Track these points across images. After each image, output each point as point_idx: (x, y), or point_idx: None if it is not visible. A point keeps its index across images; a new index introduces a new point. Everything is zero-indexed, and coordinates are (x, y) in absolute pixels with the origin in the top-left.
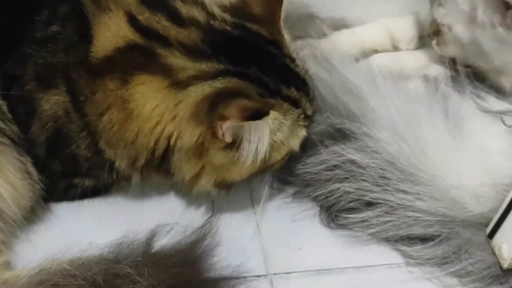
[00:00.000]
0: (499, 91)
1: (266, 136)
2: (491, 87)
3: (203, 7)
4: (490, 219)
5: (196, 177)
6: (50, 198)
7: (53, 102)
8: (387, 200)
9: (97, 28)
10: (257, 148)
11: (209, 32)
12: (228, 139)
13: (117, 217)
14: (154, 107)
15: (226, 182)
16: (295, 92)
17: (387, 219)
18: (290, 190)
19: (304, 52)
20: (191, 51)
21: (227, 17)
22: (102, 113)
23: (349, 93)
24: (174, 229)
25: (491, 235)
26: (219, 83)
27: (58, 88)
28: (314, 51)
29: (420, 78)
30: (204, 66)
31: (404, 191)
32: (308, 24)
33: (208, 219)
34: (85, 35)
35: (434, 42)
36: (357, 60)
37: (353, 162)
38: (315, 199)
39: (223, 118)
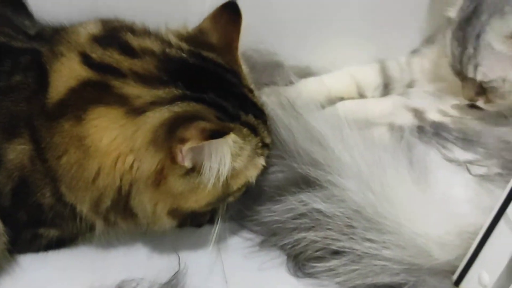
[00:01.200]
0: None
1: (227, 156)
2: (457, 137)
3: (157, 36)
4: (456, 267)
5: (154, 207)
6: (14, 249)
7: (18, 151)
8: (354, 249)
9: (52, 74)
10: (218, 170)
11: (164, 60)
12: (188, 164)
13: (82, 269)
14: (112, 140)
15: (181, 210)
16: (253, 119)
17: (354, 267)
18: (257, 239)
19: (271, 99)
20: (146, 79)
21: (183, 45)
22: (60, 156)
23: (314, 142)
24: (140, 285)
25: (458, 282)
26: (177, 107)
27: (22, 137)
28: (281, 98)
29: (386, 126)
30: (161, 92)
31: (370, 240)
32: (275, 72)
33: (175, 274)
34: (44, 83)
35: (481, 103)
36: (323, 107)
37: (318, 211)
38: (282, 248)
39: (183, 140)
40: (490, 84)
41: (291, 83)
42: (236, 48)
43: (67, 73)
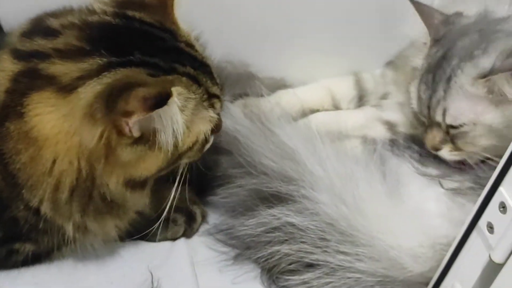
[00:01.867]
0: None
1: (177, 114)
2: (429, 151)
3: (81, 10)
4: (430, 279)
5: (109, 179)
6: None
7: None
8: (327, 262)
9: None
10: (173, 131)
11: (85, 28)
12: (136, 133)
13: (57, 285)
14: (54, 123)
15: (134, 179)
16: (193, 70)
17: (328, 280)
18: (231, 253)
19: (244, 110)
20: (69, 54)
21: (108, 9)
22: (17, 160)
23: (287, 157)
24: None
25: None
26: (106, 78)
27: None
28: (254, 110)
29: (359, 139)
30: (86, 65)
31: (343, 252)
32: (249, 83)
33: None
34: None
35: (446, 151)
36: (297, 119)
37: (292, 224)
38: (256, 261)
39: (127, 114)
40: (460, 129)
41: (265, 95)
42: (171, 5)
43: (2, 76)
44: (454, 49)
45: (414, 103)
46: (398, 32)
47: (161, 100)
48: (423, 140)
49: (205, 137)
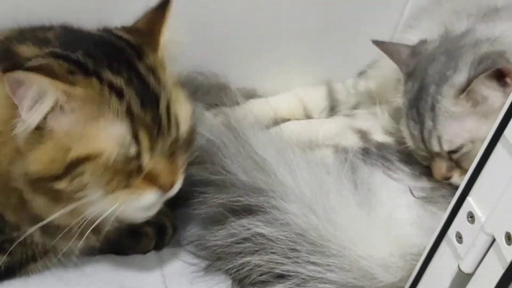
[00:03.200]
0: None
1: (46, 104)
2: (400, 159)
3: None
4: None
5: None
6: None
7: None
8: (298, 272)
9: None
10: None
11: (66, 32)
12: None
13: None
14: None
15: (31, 176)
16: (124, 85)
17: None
18: (202, 264)
19: (217, 118)
20: (39, 41)
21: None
22: None
23: (257, 168)
24: None
25: None
26: (35, 61)
27: None
28: (227, 118)
29: (331, 148)
30: (39, 50)
31: (314, 263)
32: (220, 94)
33: None
34: None
35: (456, 178)
36: (268, 127)
37: (262, 235)
38: (227, 272)
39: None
40: (461, 152)
41: (237, 104)
42: (158, 32)
43: None
44: (427, 77)
45: (409, 142)
46: (371, 42)
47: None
48: (433, 175)
49: (104, 156)
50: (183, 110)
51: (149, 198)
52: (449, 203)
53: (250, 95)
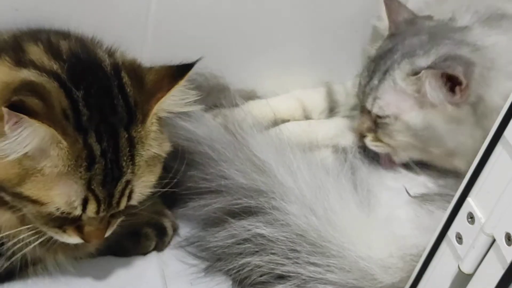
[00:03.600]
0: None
1: (28, 142)
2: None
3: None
4: None
5: None
6: None
7: None
8: (298, 273)
9: None
10: (14, 148)
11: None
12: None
13: None
14: None
15: None
16: (98, 157)
17: None
18: (202, 265)
19: (217, 120)
20: (54, 51)
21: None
22: None
23: (258, 168)
24: None
25: None
26: (39, 76)
27: None
28: (226, 119)
29: (330, 148)
30: (47, 62)
31: (314, 264)
32: (220, 95)
33: None
34: None
35: (369, 140)
36: (268, 128)
37: (262, 236)
38: (227, 273)
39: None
40: (384, 120)
41: (236, 105)
42: (156, 99)
43: None
44: (401, 45)
45: (356, 87)
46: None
47: (30, 112)
48: (353, 126)
49: (51, 210)
50: (145, 182)
51: (72, 241)
52: (445, 201)
53: (250, 96)
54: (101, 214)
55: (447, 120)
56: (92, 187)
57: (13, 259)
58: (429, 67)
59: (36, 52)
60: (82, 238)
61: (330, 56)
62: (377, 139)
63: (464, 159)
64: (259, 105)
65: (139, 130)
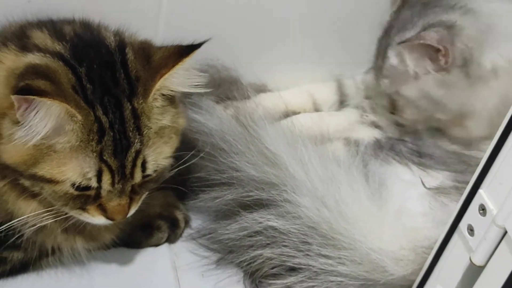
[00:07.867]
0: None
1: (48, 122)
2: (412, 150)
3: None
4: (412, 282)
5: None
6: None
7: None
8: (310, 265)
9: None
10: (33, 130)
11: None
12: (19, 114)
13: None
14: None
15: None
16: (107, 129)
17: (310, 284)
18: (214, 257)
19: (228, 111)
20: (57, 33)
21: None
22: None
23: (269, 160)
24: None
25: None
26: (44, 58)
27: None
28: (238, 111)
29: (342, 141)
30: (51, 44)
31: (326, 256)
32: (231, 87)
33: None
34: None
35: (397, 117)
36: (279, 120)
37: (273, 228)
38: (238, 265)
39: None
40: (394, 98)
41: (248, 98)
42: (160, 75)
43: None
44: (397, 20)
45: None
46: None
47: (43, 93)
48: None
49: (70, 192)
50: (158, 153)
51: (97, 221)
52: (460, 194)
53: (261, 90)
54: (117, 186)
55: (439, 85)
56: (104, 157)
57: (29, 249)
58: (402, 42)
59: (40, 37)
60: (106, 217)
61: (340, 50)
62: (399, 114)
63: (475, 121)
64: (271, 98)
65: (141, 102)
